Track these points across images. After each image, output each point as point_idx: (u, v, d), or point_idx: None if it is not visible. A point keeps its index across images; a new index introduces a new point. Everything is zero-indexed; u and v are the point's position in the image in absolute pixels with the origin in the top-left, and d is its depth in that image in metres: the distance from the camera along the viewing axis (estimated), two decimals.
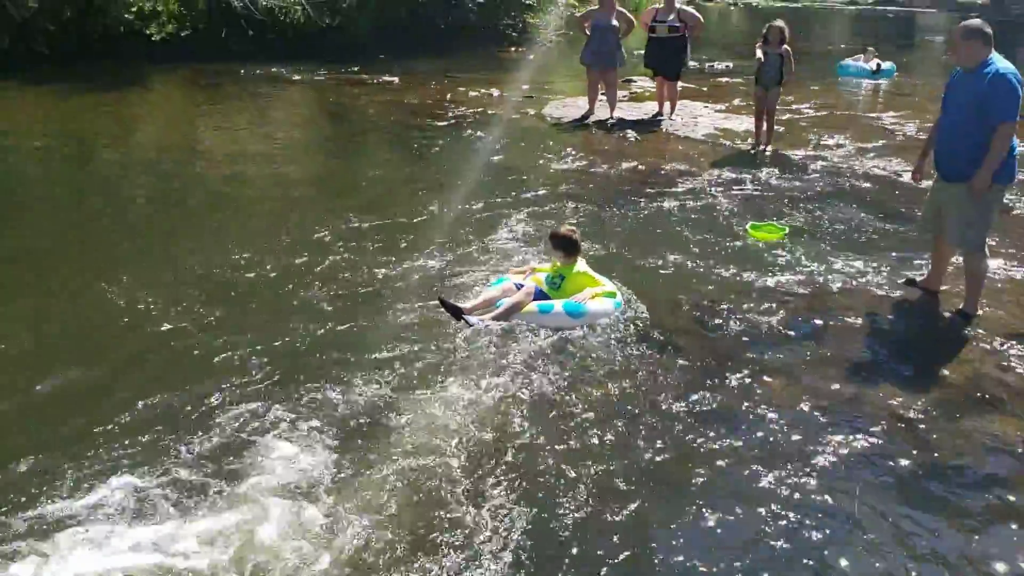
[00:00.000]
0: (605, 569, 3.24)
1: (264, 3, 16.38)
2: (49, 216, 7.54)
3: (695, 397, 4.51)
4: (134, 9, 15.24)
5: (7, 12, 13.55)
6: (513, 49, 19.58)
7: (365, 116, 12.18)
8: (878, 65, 16.46)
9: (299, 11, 16.73)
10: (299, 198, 8.17)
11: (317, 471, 3.75)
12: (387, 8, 17.90)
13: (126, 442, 3.89)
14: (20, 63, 13.65)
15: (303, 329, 5.10)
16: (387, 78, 15.06)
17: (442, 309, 5.15)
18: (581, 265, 5.52)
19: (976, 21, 5.36)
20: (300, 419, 4.13)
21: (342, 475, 3.75)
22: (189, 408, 4.21)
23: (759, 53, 9.85)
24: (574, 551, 3.33)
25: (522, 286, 5.36)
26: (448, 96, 13.58)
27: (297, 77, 14.98)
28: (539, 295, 5.35)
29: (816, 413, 4.40)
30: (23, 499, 3.50)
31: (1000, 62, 5.18)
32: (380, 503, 3.56)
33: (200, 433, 3.99)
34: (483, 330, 5.08)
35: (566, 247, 5.44)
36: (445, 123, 11.57)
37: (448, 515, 3.50)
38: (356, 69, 15.70)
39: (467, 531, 3.41)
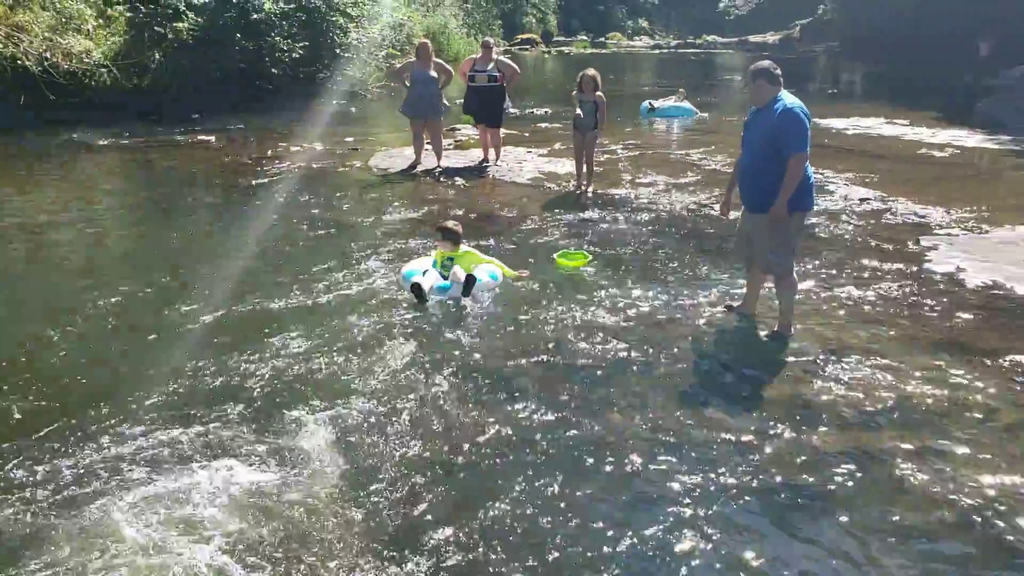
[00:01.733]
0: None
1: (65, 66, 15.48)
2: None
3: (535, 436, 4.52)
4: None
5: None
6: (335, 102, 19.40)
7: (181, 178, 11.65)
8: (651, 105, 18.06)
9: (104, 73, 15.90)
10: (110, 267, 7.67)
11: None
12: (199, 67, 17.30)
13: None
14: None
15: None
16: (203, 137, 14.54)
17: (412, 294, 6.36)
18: (464, 247, 6.95)
19: (763, 63, 5.76)
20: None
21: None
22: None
23: (577, 109, 10.26)
24: None
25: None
26: (268, 152, 13.25)
27: (104, 142, 14.15)
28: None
29: (656, 443, 4.51)
30: None
31: (788, 98, 5.58)
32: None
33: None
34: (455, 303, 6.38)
35: (454, 236, 6.80)
36: (267, 179, 11.26)
37: None
38: (170, 130, 15.07)
39: None
